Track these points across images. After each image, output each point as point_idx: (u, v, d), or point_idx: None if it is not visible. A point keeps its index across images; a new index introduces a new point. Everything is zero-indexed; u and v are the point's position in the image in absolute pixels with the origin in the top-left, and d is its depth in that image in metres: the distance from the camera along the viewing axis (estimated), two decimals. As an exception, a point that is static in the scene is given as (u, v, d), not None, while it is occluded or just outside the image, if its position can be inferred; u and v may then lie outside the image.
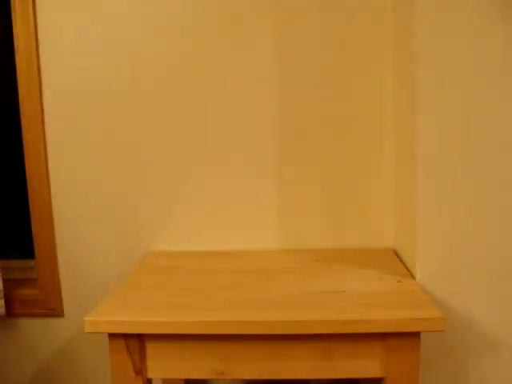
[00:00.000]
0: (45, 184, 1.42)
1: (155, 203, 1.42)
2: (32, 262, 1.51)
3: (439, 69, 1.05)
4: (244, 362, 0.97)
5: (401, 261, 1.27)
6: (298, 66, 1.34)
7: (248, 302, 1.01)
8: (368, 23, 1.31)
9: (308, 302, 1.00)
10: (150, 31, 1.36)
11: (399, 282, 1.11)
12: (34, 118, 1.39)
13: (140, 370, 0.97)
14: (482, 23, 1.02)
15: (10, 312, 1.48)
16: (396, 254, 1.34)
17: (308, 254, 1.34)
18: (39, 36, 1.37)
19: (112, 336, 0.96)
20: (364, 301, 0.99)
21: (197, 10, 1.34)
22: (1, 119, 1.63)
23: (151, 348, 0.97)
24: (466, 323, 1.12)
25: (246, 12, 1.33)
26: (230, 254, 1.37)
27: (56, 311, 1.48)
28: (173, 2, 1.34)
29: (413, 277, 1.15)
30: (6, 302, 1.45)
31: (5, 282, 1.43)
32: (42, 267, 1.46)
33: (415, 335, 0.94)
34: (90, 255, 1.45)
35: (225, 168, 1.40)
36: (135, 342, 0.96)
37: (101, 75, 1.38)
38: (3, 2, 1.39)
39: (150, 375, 0.99)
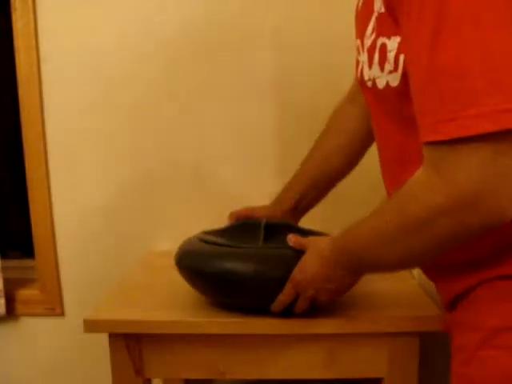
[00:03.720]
0: (45, 184, 1.42)
1: (155, 203, 1.42)
2: (32, 262, 1.51)
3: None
4: (244, 361, 0.97)
5: (401, 261, 1.26)
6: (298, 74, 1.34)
7: (248, 302, 1.00)
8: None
9: (308, 302, 1.00)
10: (151, 30, 1.35)
11: (399, 281, 1.11)
12: (33, 117, 1.39)
13: (140, 370, 0.96)
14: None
15: (10, 312, 1.47)
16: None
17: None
18: (39, 36, 1.37)
19: (112, 336, 0.96)
20: (364, 301, 0.99)
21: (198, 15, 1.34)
22: (0, 118, 1.63)
23: (151, 348, 0.97)
24: (466, 323, 1.12)
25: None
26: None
27: (56, 311, 1.48)
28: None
29: (413, 277, 1.14)
30: (6, 302, 1.44)
31: (5, 281, 1.43)
32: (42, 267, 1.46)
33: (415, 335, 0.94)
34: (90, 255, 1.45)
35: (225, 167, 1.40)
36: (135, 342, 0.96)
37: (101, 75, 1.38)
38: (3, 2, 1.38)
39: (149, 375, 0.99)
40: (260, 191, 1.38)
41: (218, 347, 0.96)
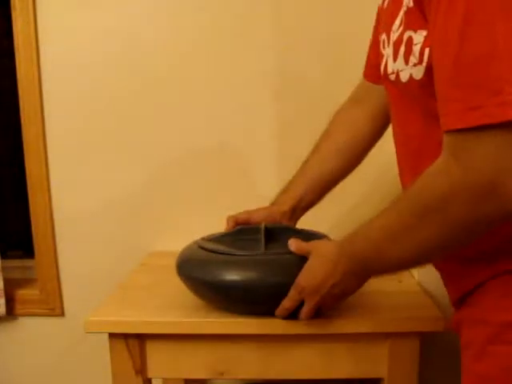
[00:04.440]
0: (45, 184, 1.42)
1: (155, 203, 1.42)
2: (32, 262, 1.51)
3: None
4: (244, 362, 0.97)
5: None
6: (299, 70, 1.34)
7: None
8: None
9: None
10: (151, 29, 1.35)
11: (399, 281, 1.11)
12: (33, 117, 1.39)
13: (140, 370, 0.96)
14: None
15: (10, 312, 1.47)
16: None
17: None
18: (39, 36, 1.37)
19: (112, 336, 0.96)
20: (364, 301, 0.99)
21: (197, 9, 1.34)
22: (1, 118, 1.63)
23: (151, 348, 0.97)
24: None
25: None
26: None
27: (56, 311, 1.48)
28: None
29: (413, 277, 1.15)
30: (6, 302, 1.44)
31: (5, 281, 1.43)
32: (41, 267, 1.46)
33: (415, 335, 0.94)
34: (90, 255, 1.45)
35: (225, 167, 1.40)
36: (135, 342, 0.96)
37: (101, 75, 1.38)
38: (3, 2, 1.38)
39: (150, 375, 0.99)
40: (260, 191, 1.38)
41: (218, 347, 0.96)
